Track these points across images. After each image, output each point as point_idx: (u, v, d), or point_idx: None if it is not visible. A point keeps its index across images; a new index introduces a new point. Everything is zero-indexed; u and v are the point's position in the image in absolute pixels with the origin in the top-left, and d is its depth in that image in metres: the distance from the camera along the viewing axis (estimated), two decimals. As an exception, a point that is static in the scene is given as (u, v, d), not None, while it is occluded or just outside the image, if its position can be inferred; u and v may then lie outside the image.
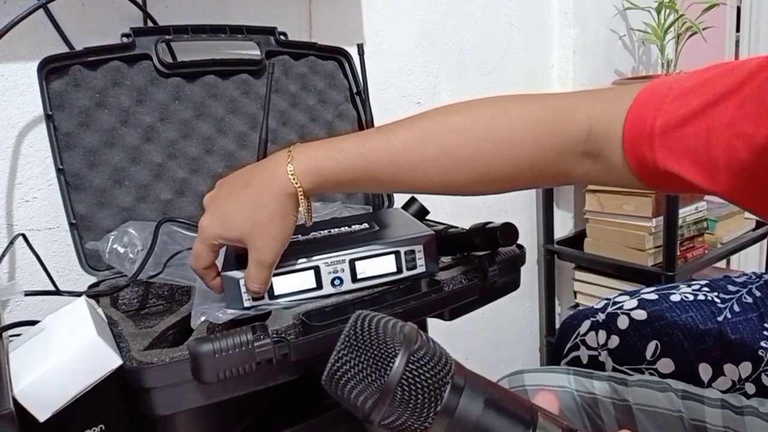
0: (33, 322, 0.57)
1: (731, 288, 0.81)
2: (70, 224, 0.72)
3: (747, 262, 1.96)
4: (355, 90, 0.95)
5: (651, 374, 0.74)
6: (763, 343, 0.69)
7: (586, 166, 0.53)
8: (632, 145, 0.48)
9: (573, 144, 0.52)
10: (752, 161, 0.42)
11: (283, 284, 0.58)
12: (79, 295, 0.67)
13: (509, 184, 0.55)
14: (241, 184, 0.55)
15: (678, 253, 1.29)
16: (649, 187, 0.50)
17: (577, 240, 1.49)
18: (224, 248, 0.61)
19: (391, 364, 0.32)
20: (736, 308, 0.76)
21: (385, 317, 0.34)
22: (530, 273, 1.55)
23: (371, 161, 0.53)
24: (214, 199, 0.57)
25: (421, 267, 0.63)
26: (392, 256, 0.61)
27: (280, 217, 0.53)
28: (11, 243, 0.74)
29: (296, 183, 0.53)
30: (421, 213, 0.83)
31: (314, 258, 0.59)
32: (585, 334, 0.82)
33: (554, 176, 0.55)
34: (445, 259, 0.70)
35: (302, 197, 0.54)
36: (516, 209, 1.48)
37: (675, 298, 0.79)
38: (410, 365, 0.32)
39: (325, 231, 0.67)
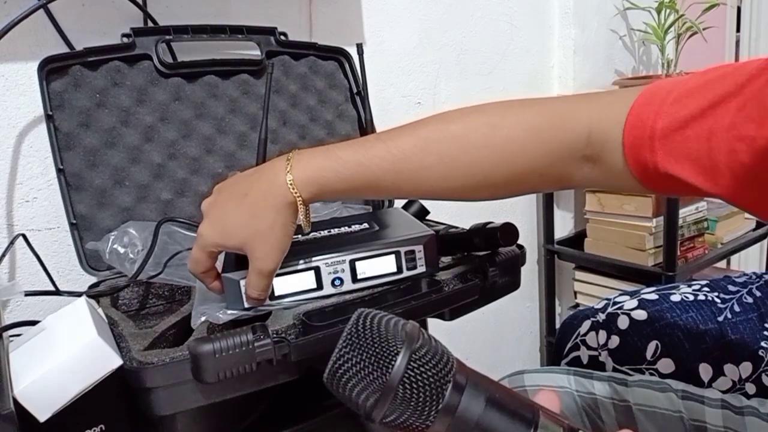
0: (33, 322, 0.57)
1: (731, 288, 0.80)
2: (71, 224, 0.72)
3: (747, 262, 1.96)
4: (355, 90, 0.95)
5: (651, 374, 0.74)
6: (763, 344, 0.69)
7: (586, 171, 0.53)
8: (633, 148, 0.48)
9: (573, 148, 0.52)
10: (754, 164, 0.42)
11: (283, 285, 0.58)
12: (79, 295, 0.67)
13: (510, 190, 0.55)
14: (239, 193, 0.55)
15: (678, 253, 1.29)
16: (649, 191, 0.50)
17: (577, 240, 1.49)
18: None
19: (393, 363, 0.32)
20: (737, 308, 0.76)
21: (387, 315, 0.34)
22: (530, 273, 1.55)
23: (371, 170, 0.53)
24: (212, 206, 0.56)
25: (421, 267, 0.63)
26: (392, 256, 0.61)
27: (279, 226, 0.53)
28: (11, 243, 0.74)
29: (296, 192, 0.53)
30: (422, 213, 0.83)
31: (314, 258, 0.59)
32: (585, 334, 0.82)
33: (554, 181, 0.55)
34: (446, 259, 0.69)
35: (301, 206, 0.54)
36: (516, 209, 1.48)
37: (675, 298, 0.79)
38: (412, 363, 0.32)
39: (325, 231, 0.67)
